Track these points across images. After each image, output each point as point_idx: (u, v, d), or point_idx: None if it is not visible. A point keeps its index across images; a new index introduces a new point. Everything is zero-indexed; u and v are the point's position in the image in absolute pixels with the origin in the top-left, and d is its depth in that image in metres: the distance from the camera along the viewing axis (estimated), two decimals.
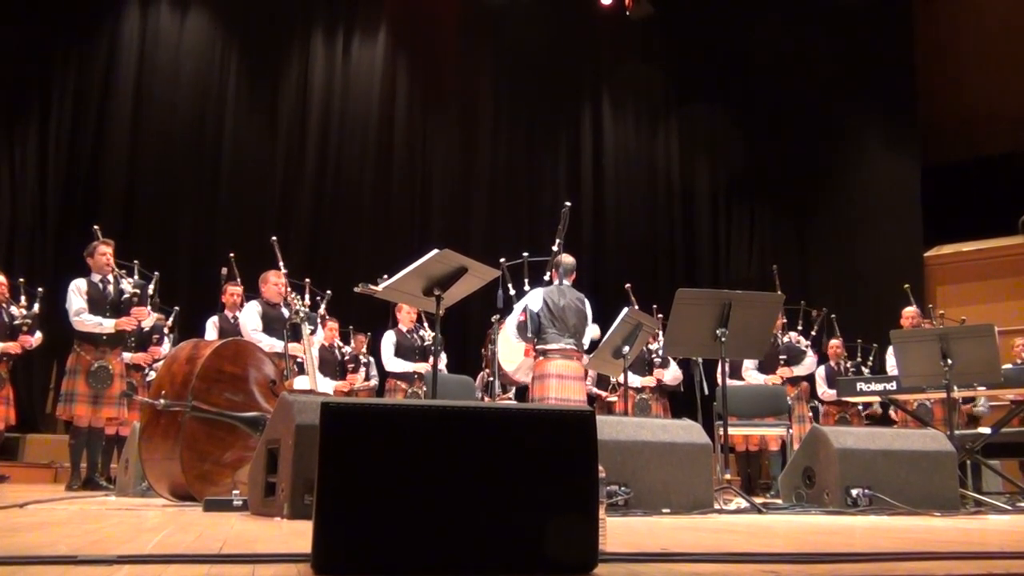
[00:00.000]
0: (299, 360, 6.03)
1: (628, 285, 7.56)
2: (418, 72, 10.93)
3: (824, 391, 7.53)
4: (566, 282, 5.54)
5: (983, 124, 10.98)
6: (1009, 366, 6.14)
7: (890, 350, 6.55)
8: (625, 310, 5.15)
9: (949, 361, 4.62)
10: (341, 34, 10.57)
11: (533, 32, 10.92)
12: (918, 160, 10.87)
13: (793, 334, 7.43)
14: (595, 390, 7.46)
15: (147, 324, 6.27)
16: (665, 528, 2.75)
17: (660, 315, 6.87)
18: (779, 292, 6.20)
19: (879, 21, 11.06)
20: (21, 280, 6.80)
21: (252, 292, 6.41)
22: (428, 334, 7.09)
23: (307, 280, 6.83)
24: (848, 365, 7.85)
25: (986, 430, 5.73)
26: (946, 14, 11.21)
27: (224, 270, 6.77)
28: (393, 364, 7.00)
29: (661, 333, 6.83)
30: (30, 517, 2.82)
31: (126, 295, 5.88)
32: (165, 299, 7.12)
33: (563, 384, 5.31)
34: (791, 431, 6.55)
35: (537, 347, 5.41)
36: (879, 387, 5.90)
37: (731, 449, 7.18)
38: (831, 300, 8.56)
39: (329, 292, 7.28)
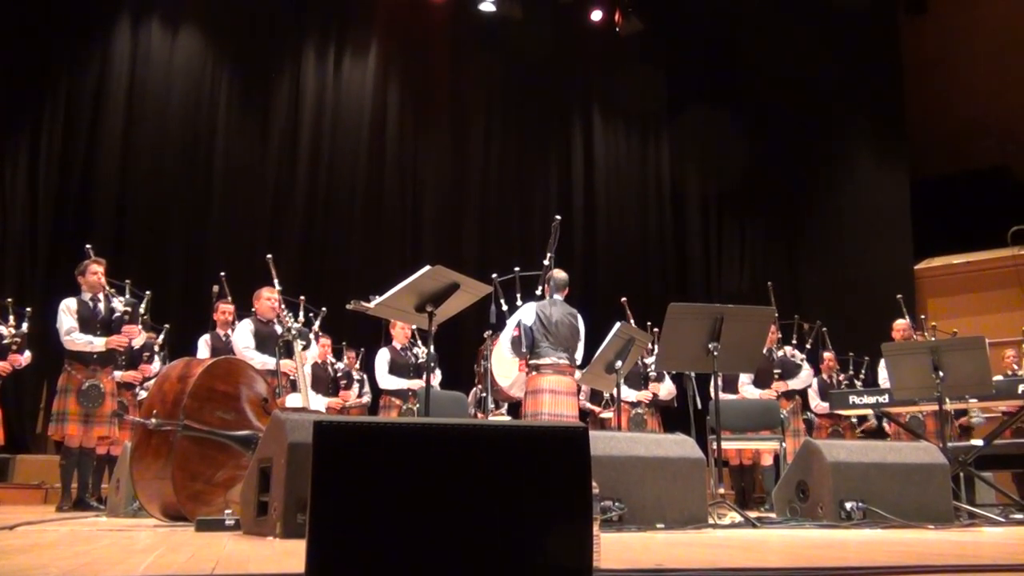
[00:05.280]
0: (292, 377, 6.02)
1: (624, 299, 7.57)
2: (409, 88, 10.97)
3: (817, 404, 7.54)
4: (558, 297, 5.54)
5: (971, 137, 11.06)
6: (1000, 378, 6.16)
7: (882, 363, 6.56)
8: (618, 325, 5.15)
9: (941, 373, 4.64)
10: (332, 51, 10.62)
11: (523, 48, 11.00)
12: (907, 173, 10.95)
13: (788, 348, 7.44)
14: (588, 405, 7.45)
15: (138, 342, 6.25)
16: (660, 544, 2.74)
17: (656, 329, 6.87)
18: (772, 306, 6.22)
19: (867, 36, 11.17)
20: (9, 300, 6.77)
21: (243, 310, 6.40)
22: (422, 351, 7.09)
23: (302, 298, 6.83)
24: (841, 378, 7.86)
25: (978, 442, 5.74)
26: (934, 29, 11.32)
27: (216, 288, 6.76)
28: (387, 382, 6.98)
29: (655, 347, 6.83)
30: (20, 539, 2.79)
31: (117, 313, 5.86)
32: (156, 317, 7.10)
33: (556, 399, 5.30)
34: (784, 445, 6.55)
35: (530, 362, 5.41)
36: (871, 400, 5.91)
37: (725, 463, 7.17)
38: (822, 313, 8.58)
39: (324, 309, 7.28)
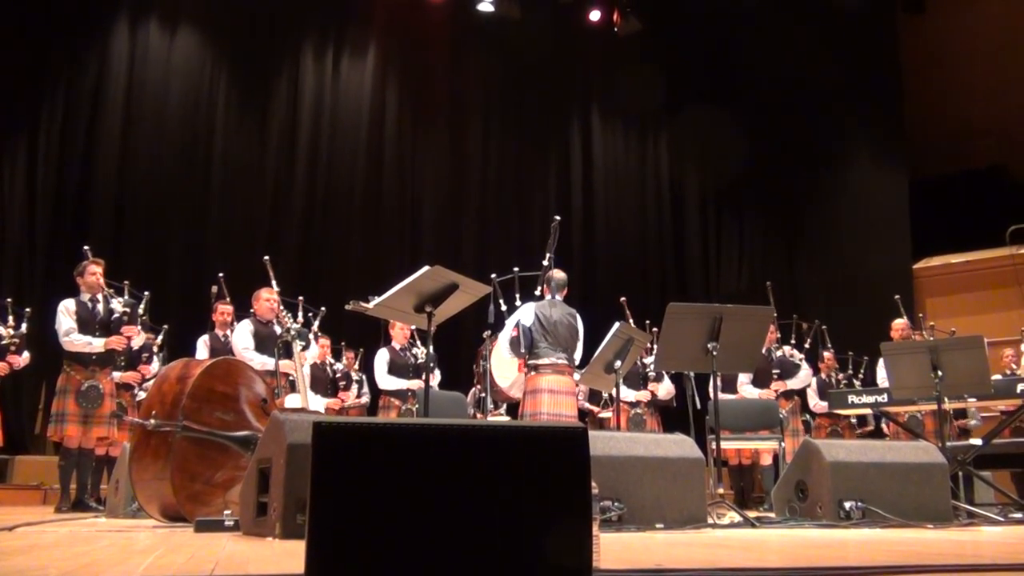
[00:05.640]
0: (291, 378, 6.01)
1: (623, 299, 7.58)
2: (407, 88, 10.98)
3: (816, 403, 7.54)
4: (558, 297, 5.54)
5: (970, 137, 11.08)
6: (999, 377, 6.17)
7: (881, 362, 6.57)
8: (617, 324, 5.15)
9: (939, 373, 4.64)
10: (331, 51, 10.62)
11: (522, 48, 11.00)
12: (906, 173, 10.97)
13: (787, 348, 7.44)
14: (587, 405, 7.45)
15: (136, 343, 6.24)
16: (659, 544, 2.74)
17: (655, 329, 6.87)
18: (771, 306, 6.22)
19: (866, 36, 11.18)
20: (9, 300, 6.77)
21: (242, 310, 6.40)
22: (421, 351, 7.09)
23: (300, 298, 6.83)
24: (840, 377, 7.87)
25: (977, 441, 5.74)
26: (932, 28, 11.33)
27: (214, 288, 6.76)
28: (386, 382, 6.99)
29: (654, 347, 6.84)
30: (19, 540, 2.79)
31: (116, 314, 5.86)
32: (155, 318, 7.09)
33: (555, 399, 5.30)
34: (783, 444, 6.55)
35: (529, 362, 5.41)
36: (870, 399, 5.91)
37: (724, 463, 7.17)
38: (821, 313, 8.59)
39: (323, 309, 7.27)
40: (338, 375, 7.65)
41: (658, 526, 3.46)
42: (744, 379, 7.19)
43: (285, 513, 2.69)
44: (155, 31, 9.76)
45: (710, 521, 3.75)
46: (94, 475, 6.08)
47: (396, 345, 7.12)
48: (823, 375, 7.72)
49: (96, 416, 5.71)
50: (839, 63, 11.06)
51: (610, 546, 2.48)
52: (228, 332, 6.34)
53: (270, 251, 6.47)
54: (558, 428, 1.62)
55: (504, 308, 6.15)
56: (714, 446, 4.77)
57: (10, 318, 6.61)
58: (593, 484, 1.61)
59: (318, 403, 6.78)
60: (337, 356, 7.84)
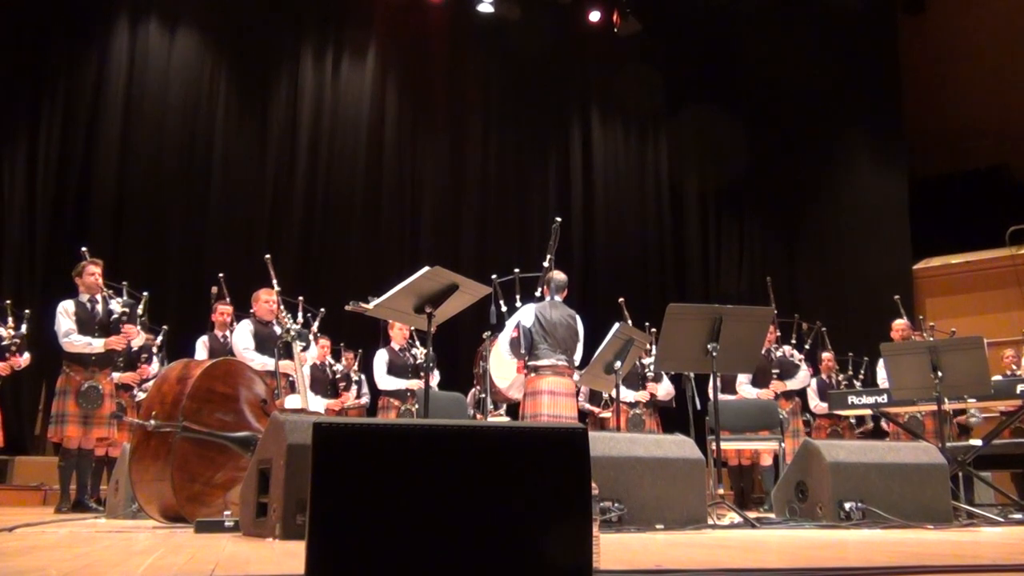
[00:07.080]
0: (291, 378, 6.01)
1: (621, 300, 7.58)
2: (407, 90, 10.98)
3: (816, 404, 7.54)
4: (557, 298, 5.54)
5: (969, 137, 11.08)
6: (999, 377, 6.17)
7: (881, 363, 6.56)
8: (616, 325, 5.15)
9: (939, 373, 4.64)
10: (330, 53, 10.61)
11: (522, 49, 11.00)
12: (905, 173, 10.97)
13: (787, 348, 7.43)
14: (588, 406, 7.45)
15: (136, 344, 6.24)
16: (659, 544, 2.74)
17: (655, 329, 6.87)
18: (771, 306, 6.22)
19: (866, 36, 11.19)
20: (8, 301, 6.76)
21: (241, 311, 6.39)
22: (421, 352, 7.09)
23: (300, 298, 6.82)
24: (840, 378, 7.86)
25: (977, 442, 5.74)
26: (932, 29, 11.34)
27: (214, 289, 6.75)
28: (386, 382, 6.98)
29: (653, 347, 6.83)
30: (19, 541, 2.79)
31: (115, 315, 5.86)
32: (154, 319, 7.09)
33: (555, 400, 5.30)
34: (783, 445, 6.55)
35: (529, 363, 5.40)
36: (870, 400, 5.91)
37: (724, 464, 7.17)
38: (821, 313, 8.58)
39: (323, 310, 7.27)
40: (338, 376, 7.64)
41: (658, 527, 3.46)
42: (743, 379, 7.18)
43: (285, 514, 2.69)
44: (155, 31, 9.74)
45: (710, 522, 3.75)
46: (94, 476, 6.07)
47: (395, 346, 7.12)
48: (823, 376, 7.71)
49: (96, 417, 5.71)
50: (839, 63, 11.06)
51: (610, 547, 2.48)
52: (227, 332, 6.34)
53: (270, 252, 6.46)
54: (558, 429, 1.62)
55: (504, 309, 6.15)
56: (714, 447, 4.77)
57: (10, 319, 6.61)
58: (593, 485, 1.61)
59: (318, 404, 6.78)
60: (336, 357, 7.84)
